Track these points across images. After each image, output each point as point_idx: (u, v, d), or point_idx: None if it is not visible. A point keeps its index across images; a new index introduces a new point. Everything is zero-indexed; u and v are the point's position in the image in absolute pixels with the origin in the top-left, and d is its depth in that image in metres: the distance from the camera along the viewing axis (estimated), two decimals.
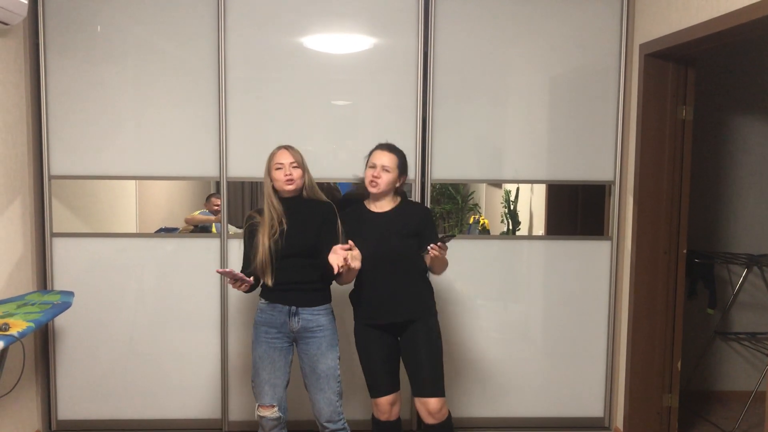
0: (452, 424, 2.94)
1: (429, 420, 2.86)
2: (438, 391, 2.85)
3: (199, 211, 3.68)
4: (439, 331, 2.92)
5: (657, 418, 3.59)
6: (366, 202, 2.95)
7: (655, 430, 3.60)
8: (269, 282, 2.78)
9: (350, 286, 2.95)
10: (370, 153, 2.90)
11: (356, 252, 2.74)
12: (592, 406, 3.82)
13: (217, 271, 2.64)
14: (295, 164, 2.79)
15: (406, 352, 2.90)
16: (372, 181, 2.83)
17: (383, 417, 2.94)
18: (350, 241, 2.75)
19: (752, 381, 4.28)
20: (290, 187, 2.79)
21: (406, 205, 2.95)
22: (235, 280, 2.65)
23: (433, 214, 3.19)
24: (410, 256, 2.80)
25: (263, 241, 2.75)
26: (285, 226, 2.77)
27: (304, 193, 2.86)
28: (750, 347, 4.32)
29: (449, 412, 2.92)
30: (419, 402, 2.87)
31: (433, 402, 2.83)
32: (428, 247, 2.68)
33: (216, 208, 3.66)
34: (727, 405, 4.27)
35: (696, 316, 4.34)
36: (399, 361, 2.96)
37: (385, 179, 2.82)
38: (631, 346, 3.56)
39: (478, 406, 3.79)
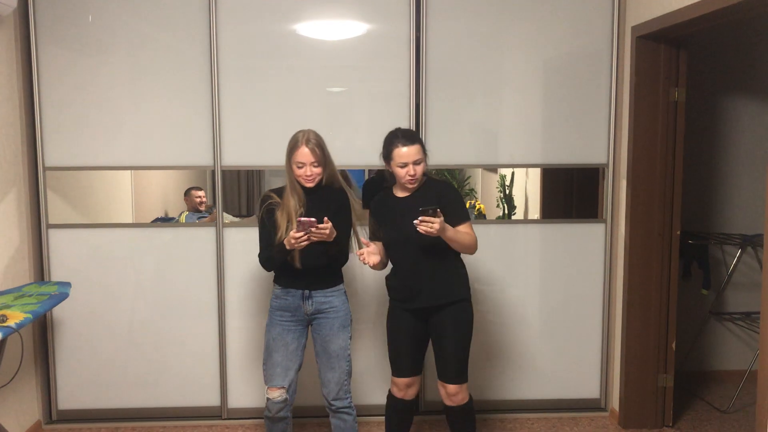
0: (472, 408, 2.95)
1: (447, 401, 2.91)
2: (458, 378, 2.87)
3: (185, 214, 3.67)
4: (470, 315, 2.89)
5: (652, 398, 3.63)
6: (394, 188, 2.93)
7: (650, 410, 3.64)
8: (297, 264, 2.79)
9: (387, 270, 2.98)
10: (390, 149, 2.79)
11: (372, 248, 2.82)
12: (588, 388, 3.86)
13: (299, 220, 2.62)
14: (315, 163, 2.77)
15: (433, 335, 2.91)
16: (410, 180, 2.78)
17: (398, 395, 3.00)
18: (363, 240, 2.84)
19: (746, 360, 4.32)
20: (310, 185, 2.80)
21: (427, 186, 2.87)
22: (306, 232, 2.63)
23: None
24: (433, 239, 2.70)
25: (283, 225, 2.76)
26: (302, 212, 2.79)
27: (323, 181, 2.86)
28: (744, 327, 4.35)
29: (471, 397, 2.94)
30: (440, 384, 2.91)
31: (451, 387, 2.87)
32: (414, 222, 2.61)
33: (198, 200, 3.66)
34: (721, 384, 4.31)
35: (691, 297, 4.37)
36: (425, 347, 2.98)
37: (420, 172, 2.79)
38: (626, 328, 3.59)
39: (476, 389, 3.81)
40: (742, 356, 4.41)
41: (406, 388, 2.98)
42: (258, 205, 2.91)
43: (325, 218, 2.67)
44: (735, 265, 4.29)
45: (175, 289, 3.67)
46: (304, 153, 2.76)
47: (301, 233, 2.64)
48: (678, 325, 3.75)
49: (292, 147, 2.80)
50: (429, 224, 2.58)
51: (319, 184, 2.84)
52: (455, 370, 2.87)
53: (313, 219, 2.62)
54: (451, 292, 2.86)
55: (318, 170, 2.79)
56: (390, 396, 3.04)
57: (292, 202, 2.80)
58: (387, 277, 2.99)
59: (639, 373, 3.61)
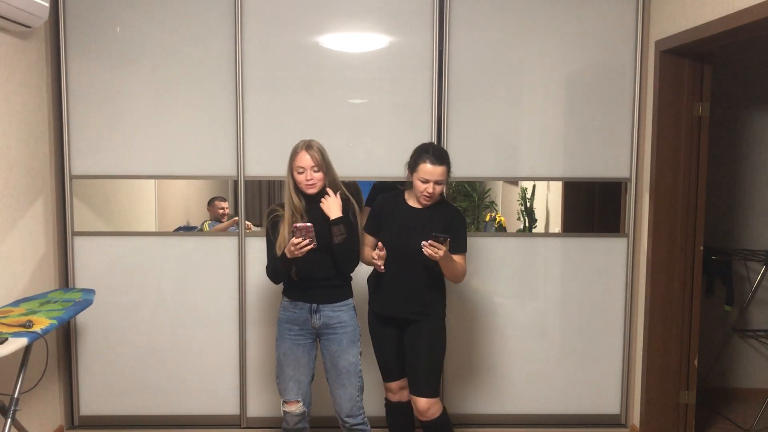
0: (446, 421, 2.97)
1: (420, 417, 2.95)
2: (428, 392, 2.89)
3: (207, 223, 3.71)
4: (443, 333, 2.95)
5: (674, 415, 3.59)
6: (406, 193, 2.96)
7: (672, 427, 3.60)
8: (295, 277, 2.82)
9: (369, 269, 2.99)
10: (417, 162, 2.82)
11: (384, 253, 2.83)
12: (608, 403, 3.82)
13: (295, 226, 2.65)
14: (316, 168, 2.79)
15: (407, 348, 2.94)
16: (425, 196, 2.82)
17: (394, 398, 3.07)
18: (380, 243, 2.84)
19: None
20: (312, 191, 2.82)
21: (441, 206, 2.93)
22: (305, 238, 2.66)
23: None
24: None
25: (285, 235, 2.78)
26: (300, 218, 2.81)
27: (327, 189, 2.88)
28: None
29: (444, 410, 2.96)
30: (412, 399, 2.94)
31: (422, 402, 2.89)
32: (422, 243, 2.69)
33: (221, 211, 3.69)
34: (745, 402, 4.25)
35: (714, 313, 4.32)
36: None
37: (438, 192, 2.83)
38: (647, 343, 3.56)
39: (495, 403, 3.81)
40: (767, 374, 4.34)
41: (400, 391, 3.05)
42: (266, 218, 2.93)
43: (329, 190, 2.80)
44: (759, 282, 4.23)
45: (197, 297, 3.70)
46: (304, 158, 2.78)
47: (300, 239, 2.66)
48: (701, 341, 3.71)
49: (293, 154, 2.83)
50: (435, 249, 2.68)
51: (321, 192, 2.86)
52: (426, 383, 2.89)
53: (309, 224, 2.65)
54: (431, 309, 2.92)
55: (318, 175, 2.80)
56: (387, 403, 3.11)
57: (290, 213, 2.81)
58: (370, 278, 3.02)
59: (660, 390, 3.57)
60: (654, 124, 3.47)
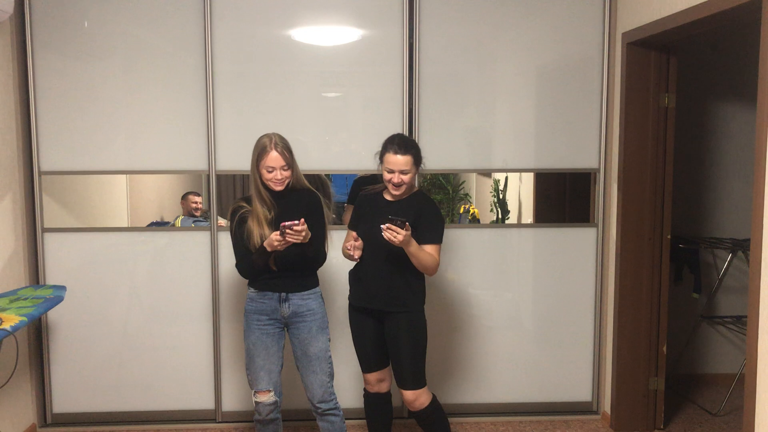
0: (437, 408, 2.99)
1: (409, 408, 2.99)
2: (413, 383, 2.92)
3: (180, 218, 3.69)
4: (423, 325, 2.95)
5: (644, 401, 3.66)
6: (384, 191, 2.98)
7: (641, 413, 3.66)
8: (273, 266, 2.82)
9: (351, 263, 3.01)
10: (383, 152, 2.85)
11: (359, 243, 2.87)
12: (580, 391, 3.88)
13: (283, 225, 2.64)
14: (285, 167, 2.80)
15: (389, 341, 2.96)
16: (392, 187, 2.84)
17: (372, 390, 3.09)
18: (354, 233, 2.87)
19: (737, 364, 4.35)
20: (280, 188, 2.82)
21: (415, 197, 2.94)
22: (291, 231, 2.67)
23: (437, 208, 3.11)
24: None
25: (256, 231, 2.79)
26: (273, 216, 2.82)
27: (290, 184, 2.89)
28: (735, 330, 4.38)
29: (433, 398, 2.99)
30: (400, 391, 2.97)
31: (407, 394, 2.92)
32: (380, 226, 2.67)
33: (194, 205, 3.68)
34: (713, 387, 4.34)
35: (683, 300, 4.40)
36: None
37: (405, 181, 2.83)
38: (617, 332, 3.62)
39: (469, 392, 3.85)
40: (733, 360, 4.44)
41: (378, 383, 3.06)
42: (229, 215, 2.92)
43: (302, 219, 2.70)
44: (726, 269, 4.32)
45: (170, 292, 3.69)
46: (274, 157, 2.78)
47: (286, 237, 2.69)
48: (670, 328, 3.78)
49: (260, 152, 2.80)
50: (393, 234, 2.65)
51: (287, 187, 2.87)
52: (410, 376, 2.92)
53: (296, 222, 2.64)
54: (405, 302, 2.91)
55: (288, 173, 2.82)
56: (366, 393, 3.13)
57: (261, 208, 2.82)
58: (351, 272, 3.03)
59: (630, 377, 3.64)
60: (621, 116, 3.53)
